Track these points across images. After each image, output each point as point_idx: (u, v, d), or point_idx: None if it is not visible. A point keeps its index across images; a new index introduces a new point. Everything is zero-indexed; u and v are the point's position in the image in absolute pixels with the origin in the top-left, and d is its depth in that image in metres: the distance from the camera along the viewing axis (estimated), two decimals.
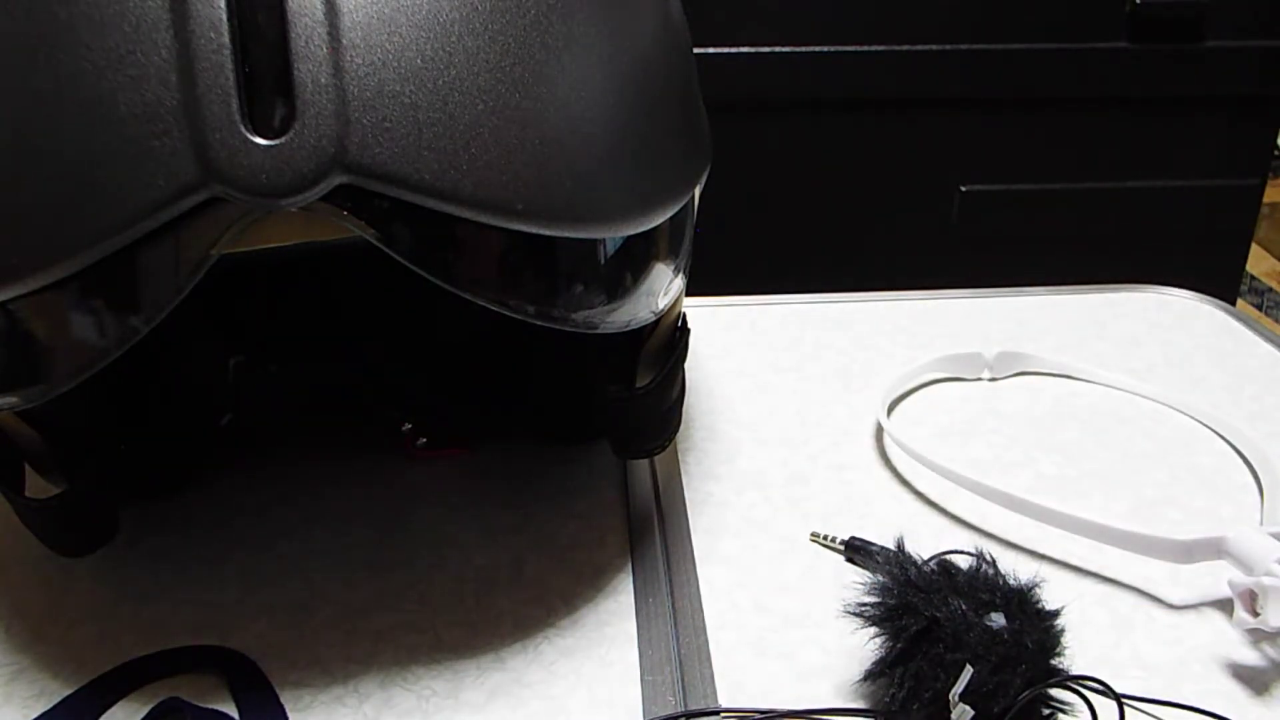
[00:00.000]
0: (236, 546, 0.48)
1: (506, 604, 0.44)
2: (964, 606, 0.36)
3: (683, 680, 0.40)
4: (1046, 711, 0.36)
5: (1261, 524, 0.49)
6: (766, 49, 1.22)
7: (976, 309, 0.71)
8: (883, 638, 0.37)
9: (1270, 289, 2.39)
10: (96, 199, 0.31)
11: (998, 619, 0.36)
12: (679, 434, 0.56)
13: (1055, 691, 0.36)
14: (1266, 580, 0.40)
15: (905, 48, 1.23)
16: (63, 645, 0.42)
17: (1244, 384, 0.62)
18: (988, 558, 0.39)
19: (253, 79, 0.30)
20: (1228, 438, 0.56)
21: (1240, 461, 0.54)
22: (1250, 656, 0.42)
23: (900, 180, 1.30)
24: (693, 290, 0.52)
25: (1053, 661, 0.36)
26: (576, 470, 0.53)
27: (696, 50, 1.16)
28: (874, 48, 1.22)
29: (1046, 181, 1.32)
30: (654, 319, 0.41)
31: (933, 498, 0.51)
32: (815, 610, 0.44)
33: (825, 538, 0.48)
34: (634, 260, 0.38)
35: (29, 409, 0.39)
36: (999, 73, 1.25)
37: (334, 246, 0.38)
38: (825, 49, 1.22)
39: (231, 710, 0.39)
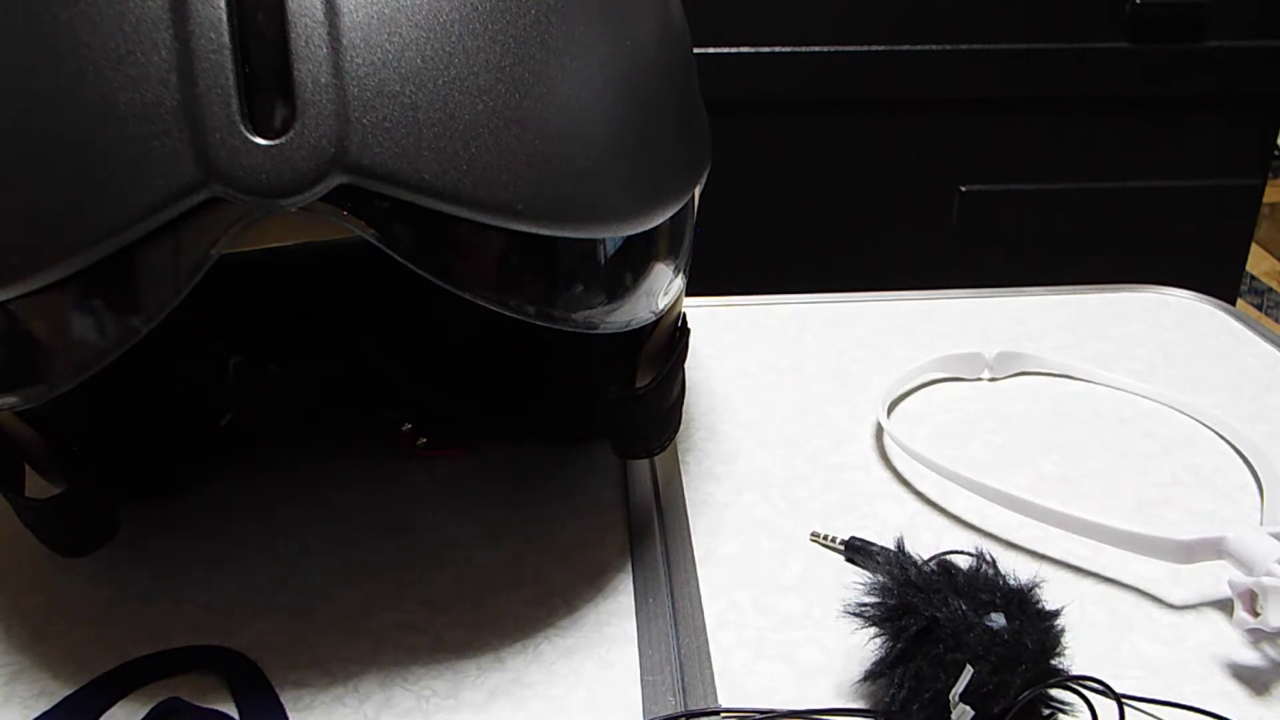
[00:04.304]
0: (236, 546, 0.48)
1: (506, 604, 0.44)
2: (964, 606, 0.36)
3: (683, 680, 0.40)
4: (1046, 711, 0.36)
5: (1261, 524, 0.49)
6: (766, 49, 1.22)
7: (976, 309, 0.71)
8: (883, 638, 0.37)
9: (1270, 289, 2.39)
10: (96, 199, 0.31)
11: (998, 619, 0.36)
12: (679, 434, 0.56)
13: (1055, 691, 0.36)
14: (1266, 580, 0.40)
15: (905, 48, 1.23)
16: (63, 645, 0.42)
17: (1244, 384, 0.62)
18: (988, 558, 0.39)
19: (253, 79, 0.30)
20: (1228, 438, 0.56)
21: (1240, 461, 0.54)
22: (1250, 656, 0.42)
23: (900, 180, 1.30)
24: (693, 290, 0.52)
25: (1053, 661, 0.36)
26: (576, 470, 0.53)
27: (696, 50, 1.16)
28: (874, 48, 1.23)
29: (1046, 181, 1.32)
30: (654, 319, 0.41)
31: (933, 498, 0.51)
32: (815, 610, 0.44)
33: (825, 538, 0.48)
34: (634, 260, 0.38)
35: (29, 409, 0.39)
36: (999, 73, 1.25)
37: (334, 246, 0.38)
38: (825, 49, 1.22)
39: (231, 710, 0.39)
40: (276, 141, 0.30)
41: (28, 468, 0.43)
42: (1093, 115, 1.29)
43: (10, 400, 0.34)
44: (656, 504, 0.51)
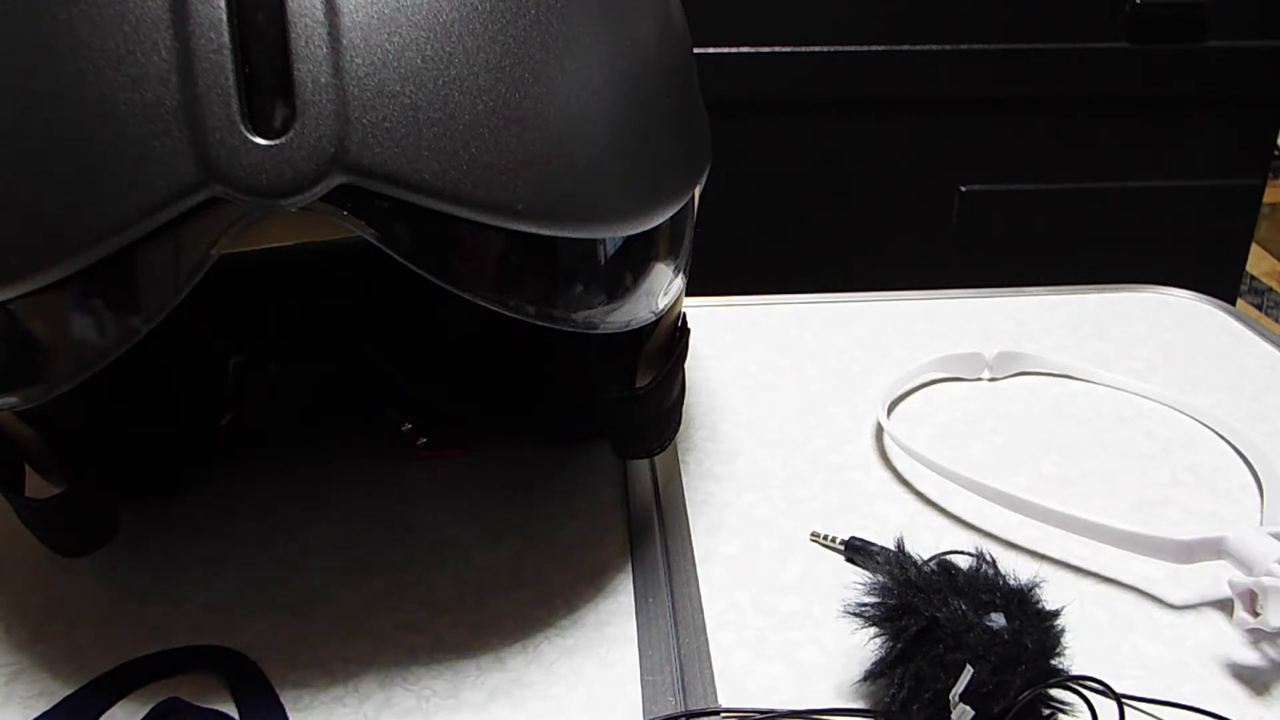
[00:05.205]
0: (236, 546, 0.48)
1: (506, 604, 0.44)
2: (964, 606, 0.36)
3: (683, 680, 0.40)
4: (1046, 711, 0.36)
5: (1261, 524, 0.49)
6: (766, 49, 1.22)
7: (976, 309, 0.71)
8: (883, 638, 0.37)
9: (1270, 289, 2.40)
10: (96, 199, 0.31)
11: (998, 619, 0.36)
12: (679, 434, 0.56)
13: (1055, 691, 0.36)
14: (1266, 580, 0.40)
15: (905, 48, 1.23)
16: (63, 645, 0.42)
17: (1244, 384, 0.62)
18: (988, 558, 0.39)
19: (253, 79, 0.30)
20: (1228, 438, 0.56)
21: (1240, 461, 0.54)
22: (1250, 656, 0.42)
23: (900, 180, 1.30)
24: (693, 290, 0.52)
25: (1053, 661, 0.36)
26: (576, 470, 0.53)
27: (696, 50, 1.16)
28: (874, 48, 1.23)
29: (1046, 181, 1.32)
30: (654, 319, 0.41)
31: (933, 498, 0.51)
32: (815, 610, 0.44)
33: (825, 538, 0.48)
34: (634, 260, 0.38)
35: (29, 409, 0.39)
36: (999, 73, 1.25)
37: (334, 246, 0.38)
38: (825, 49, 1.22)
39: (231, 710, 0.39)
40: (276, 141, 0.30)
41: (28, 468, 0.43)
42: (1093, 115, 1.29)
43: (10, 400, 0.34)
44: (656, 504, 0.51)
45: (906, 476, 0.53)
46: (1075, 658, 0.42)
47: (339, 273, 0.55)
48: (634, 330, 0.40)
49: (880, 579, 0.38)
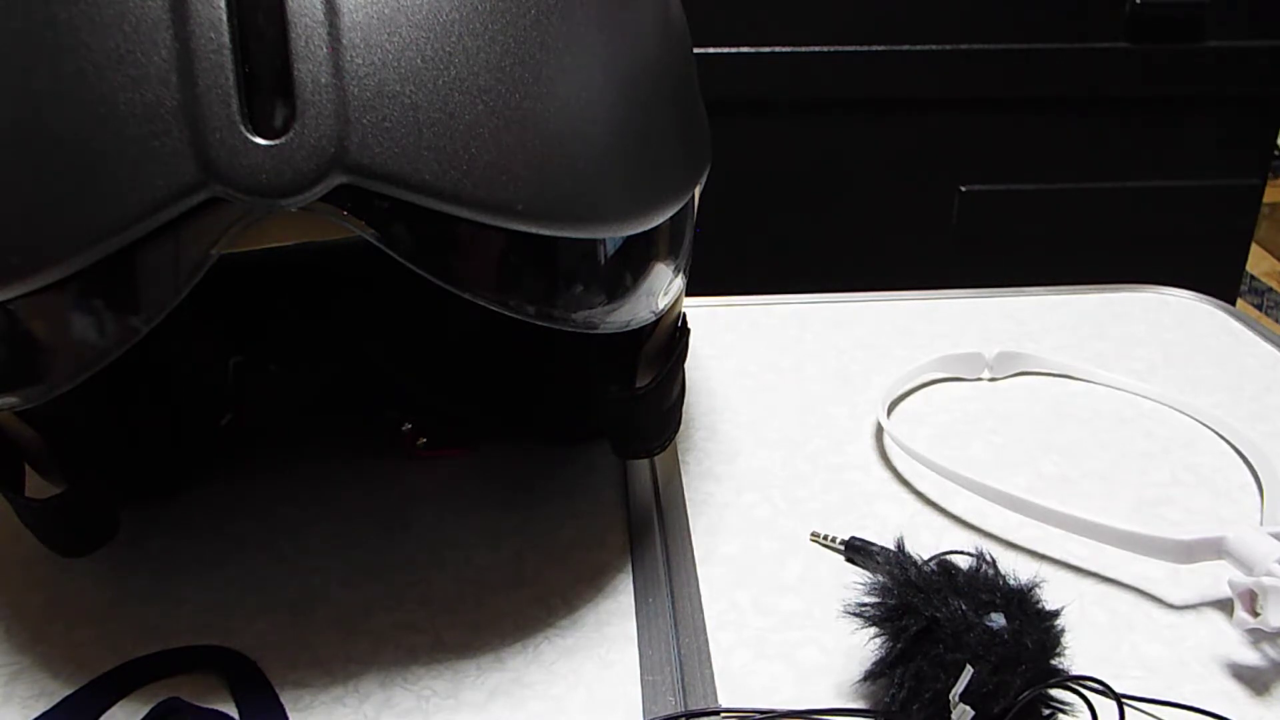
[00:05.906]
0: (236, 546, 0.48)
1: (506, 604, 0.44)
2: (964, 606, 0.36)
3: (683, 680, 0.40)
4: (1046, 711, 0.36)
5: (1261, 524, 0.49)
6: (766, 49, 1.22)
7: (976, 309, 0.71)
8: (883, 638, 0.37)
9: (1270, 289, 2.39)
10: (96, 199, 0.31)
11: (998, 619, 0.36)
12: (679, 434, 0.56)
13: (1055, 691, 0.36)
14: (1266, 580, 0.40)
15: (905, 48, 1.23)
16: (63, 645, 0.42)
17: (1244, 384, 0.62)
18: (988, 558, 0.39)
19: (253, 79, 0.30)
20: (1228, 438, 0.56)
21: (1240, 461, 0.54)
22: (1250, 656, 0.42)
23: (900, 180, 1.30)
24: (693, 290, 0.52)
25: (1053, 661, 0.36)
26: (576, 470, 0.53)
27: (696, 50, 1.16)
28: (874, 48, 1.23)
29: (1046, 181, 1.32)
30: (654, 319, 0.41)
31: (933, 498, 0.51)
32: (815, 610, 0.44)
33: (825, 538, 0.48)
34: (634, 260, 0.38)
35: (29, 409, 0.39)
36: (999, 73, 1.25)
37: (334, 246, 0.38)
38: (825, 49, 1.22)
39: (231, 710, 0.39)
40: (276, 141, 0.30)
41: (28, 468, 0.43)
42: (1093, 115, 1.29)
43: (10, 400, 0.34)
44: (656, 504, 0.51)
45: (906, 476, 0.53)
46: (1075, 658, 0.42)
47: (339, 273, 0.55)
48: (634, 330, 0.40)
49: (880, 579, 0.38)
